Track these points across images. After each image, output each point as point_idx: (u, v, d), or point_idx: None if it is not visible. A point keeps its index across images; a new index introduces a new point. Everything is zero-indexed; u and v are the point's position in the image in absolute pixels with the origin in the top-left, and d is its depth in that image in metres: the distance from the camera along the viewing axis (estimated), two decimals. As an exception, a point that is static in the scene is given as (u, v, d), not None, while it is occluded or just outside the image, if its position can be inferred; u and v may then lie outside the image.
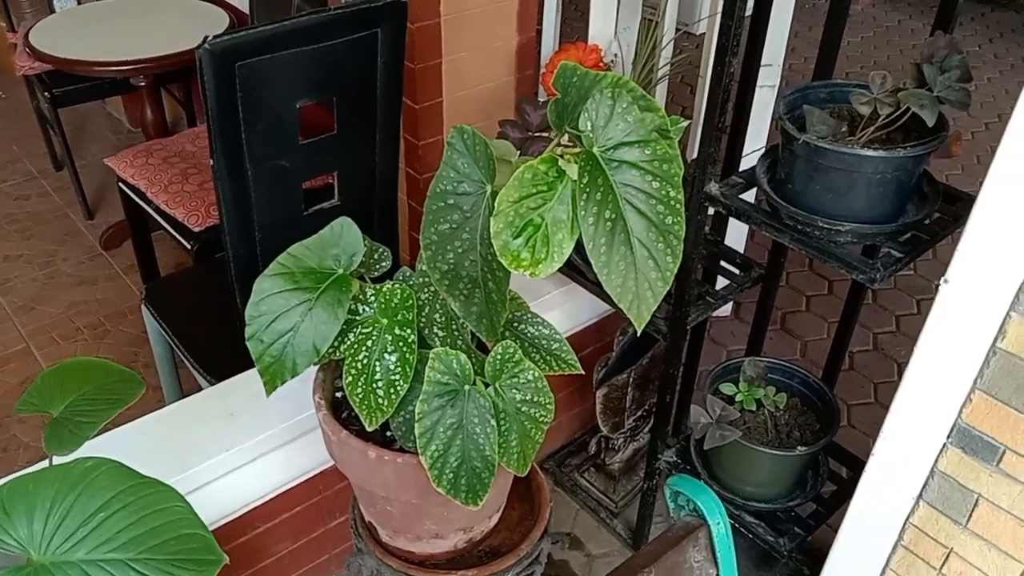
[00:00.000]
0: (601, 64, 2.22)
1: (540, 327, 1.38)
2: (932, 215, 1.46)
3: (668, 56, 2.46)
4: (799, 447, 1.73)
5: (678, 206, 1.04)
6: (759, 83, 2.42)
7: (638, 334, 1.07)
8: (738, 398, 1.80)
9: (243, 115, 1.68)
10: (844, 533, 1.57)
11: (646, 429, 2.27)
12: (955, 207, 1.51)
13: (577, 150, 1.06)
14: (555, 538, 2.12)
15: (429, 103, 2.24)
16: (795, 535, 1.79)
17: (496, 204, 1.01)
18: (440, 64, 2.20)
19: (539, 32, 2.64)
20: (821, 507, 1.87)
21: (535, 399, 1.24)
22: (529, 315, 1.38)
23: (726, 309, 2.94)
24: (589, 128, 1.05)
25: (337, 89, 1.82)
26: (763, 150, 1.61)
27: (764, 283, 2.02)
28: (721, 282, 2.01)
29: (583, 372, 1.37)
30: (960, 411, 1.30)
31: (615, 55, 2.47)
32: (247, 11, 3.08)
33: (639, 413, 2.21)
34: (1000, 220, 1.15)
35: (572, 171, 1.04)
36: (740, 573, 2.06)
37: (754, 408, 1.81)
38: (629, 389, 2.11)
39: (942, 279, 1.24)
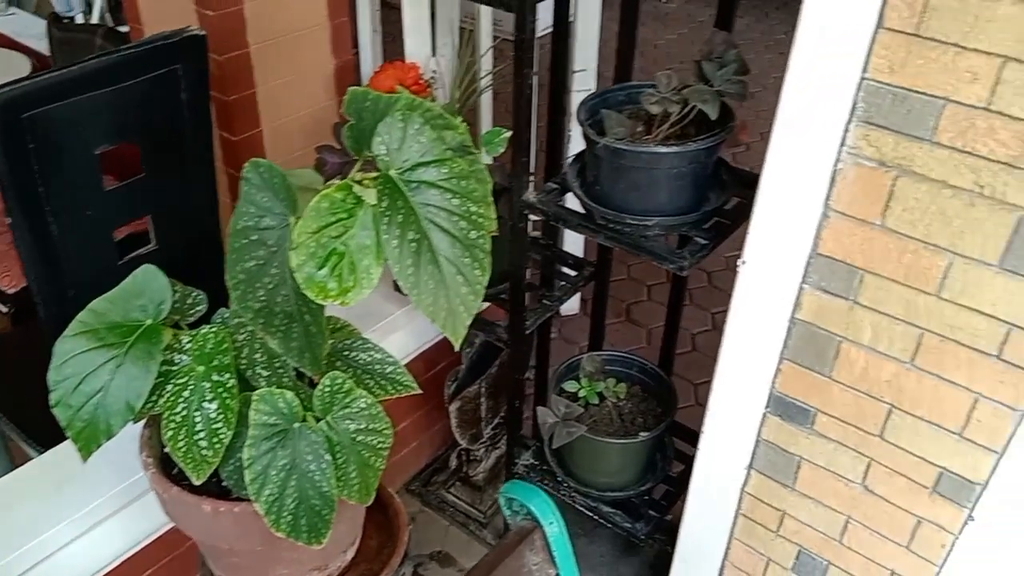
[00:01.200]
0: (421, 82, 2.23)
1: (372, 352, 1.37)
2: (731, 201, 1.55)
3: (489, 66, 2.50)
4: (641, 433, 1.80)
5: (481, 220, 1.06)
6: (575, 88, 2.50)
7: (455, 349, 1.09)
8: (581, 393, 1.85)
9: (38, 167, 1.58)
10: (689, 510, 1.64)
11: (505, 436, 2.29)
12: (753, 191, 1.62)
13: (375, 174, 1.06)
14: (418, 560, 2.11)
15: (248, 134, 2.18)
16: (650, 518, 1.86)
17: (294, 237, 1.00)
18: (254, 94, 2.15)
19: (357, 55, 2.63)
20: (672, 487, 1.95)
21: (370, 427, 1.23)
22: (359, 342, 1.37)
23: (574, 307, 3.02)
24: (384, 151, 1.05)
25: (141, 130, 1.74)
26: (573, 156, 1.66)
27: (597, 279, 2.09)
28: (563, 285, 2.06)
29: (421, 391, 1.37)
30: (773, 381, 1.39)
31: (434, 72, 2.49)
32: (49, 54, 2.90)
33: (496, 421, 2.24)
34: (782, 197, 1.24)
35: (370, 196, 1.04)
36: (607, 561, 2.12)
37: (597, 401, 1.87)
38: (482, 399, 2.13)
39: (740, 260, 1.33)
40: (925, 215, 1.12)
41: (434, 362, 2.28)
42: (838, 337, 1.28)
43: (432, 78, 2.47)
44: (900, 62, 1.05)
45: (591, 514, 1.88)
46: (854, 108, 1.11)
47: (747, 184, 1.62)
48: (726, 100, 1.41)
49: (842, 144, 1.14)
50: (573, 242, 2.69)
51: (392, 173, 1.04)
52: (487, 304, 2.04)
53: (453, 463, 2.33)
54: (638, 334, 2.95)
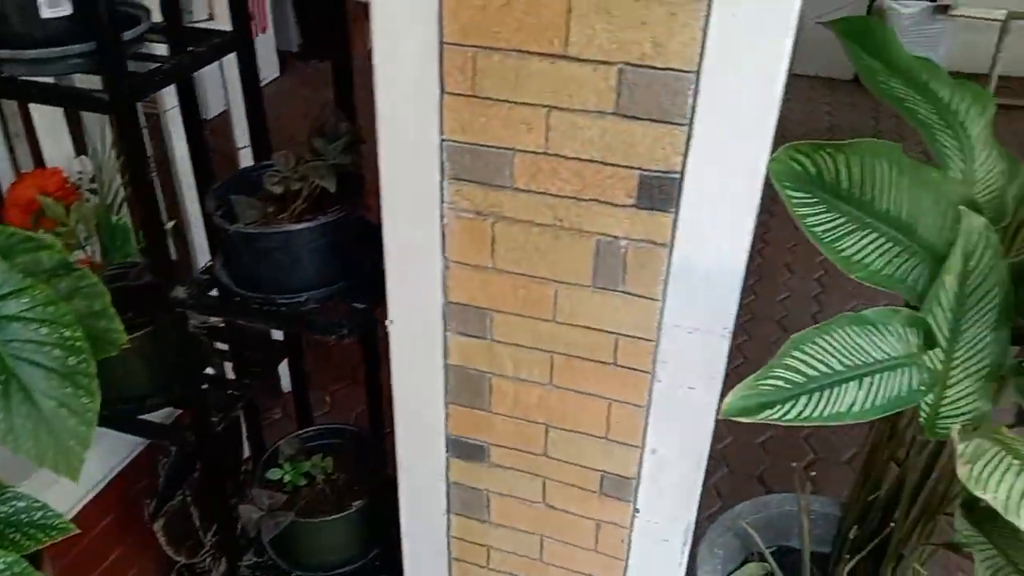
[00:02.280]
0: (67, 187, 2.07)
1: (16, 502, 1.24)
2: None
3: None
4: (355, 503, 1.79)
5: (78, 344, 1.00)
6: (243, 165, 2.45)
7: (75, 482, 1.01)
8: (286, 479, 1.80)
9: None
10: (407, 564, 1.66)
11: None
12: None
13: (-56, 319, 0.96)
14: None
15: None
16: (385, 583, 1.85)
17: None
18: None
19: (-13, 166, 2.39)
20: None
21: (13, 586, 1.11)
22: (-6, 493, 1.23)
23: (286, 384, 2.94)
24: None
25: None
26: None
27: (290, 355, 2.06)
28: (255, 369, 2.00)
29: (79, 531, 1.26)
30: (446, 425, 1.45)
31: (79, 173, 2.33)
32: None
33: (215, 527, 2.11)
34: (406, 255, 1.29)
35: (-61, 344, 0.95)
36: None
37: (306, 482, 1.83)
38: (192, 508, 2.01)
39: (388, 320, 1.37)
40: (525, 252, 1.22)
41: (133, 482, 2.11)
42: (487, 374, 1.36)
43: (80, 179, 2.32)
44: (468, 122, 1.14)
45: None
46: (443, 167, 1.19)
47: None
48: (347, 170, 1.45)
49: (442, 201, 1.22)
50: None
51: (-36, 314, 0.96)
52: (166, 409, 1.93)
53: (177, 582, 2.16)
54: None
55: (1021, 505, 1.02)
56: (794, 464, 2.08)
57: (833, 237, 1.23)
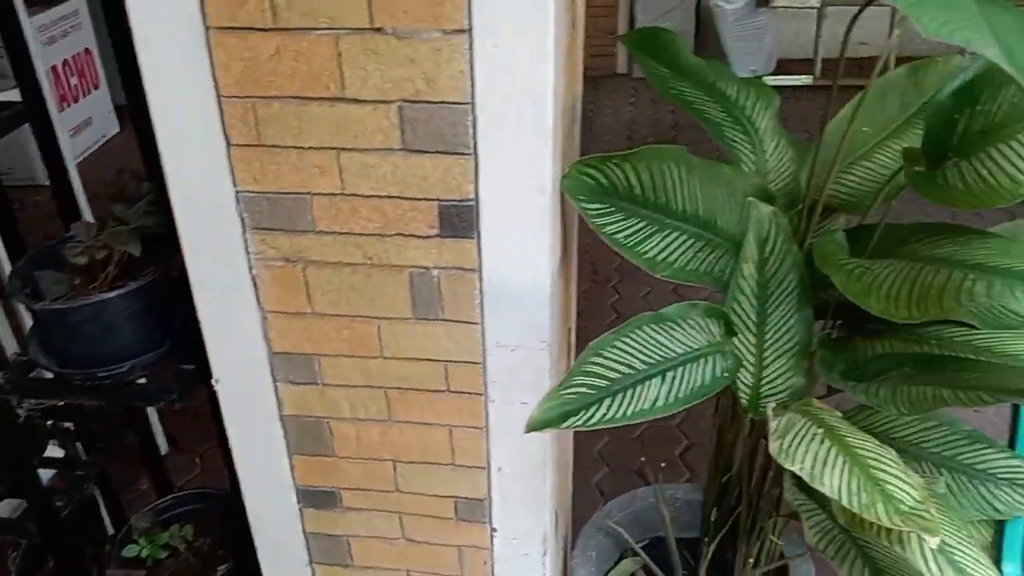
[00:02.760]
0: None
1: None
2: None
3: None
4: (220, 567, 1.73)
5: None
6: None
7: None
8: (143, 554, 1.73)
9: None
10: (279, 626, 1.61)
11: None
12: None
13: None
14: None
15: None
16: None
17: None
18: None
19: None
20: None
21: None
22: None
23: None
24: None
25: None
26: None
27: (135, 424, 1.97)
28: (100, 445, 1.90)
29: None
30: (293, 476, 1.42)
31: None
32: None
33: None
34: (219, 310, 1.27)
35: None
36: None
37: (166, 554, 1.76)
38: (49, 600, 1.89)
39: (213, 379, 1.34)
40: (341, 293, 1.22)
41: (-19, 582, 1.97)
42: (324, 419, 1.34)
43: None
44: (259, 171, 1.13)
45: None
46: (242, 219, 1.17)
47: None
48: (152, 231, 1.41)
49: (247, 252, 1.20)
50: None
51: None
52: None
53: None
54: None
55: (824, 473, 1.09)
56: (643, 459, 2.14)
57: (635, 242, 1.28)
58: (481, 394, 1.28)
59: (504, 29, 0.98)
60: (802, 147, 1.54)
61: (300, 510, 1.45)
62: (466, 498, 1.39)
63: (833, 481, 1.07)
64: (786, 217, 1.40)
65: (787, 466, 1.12)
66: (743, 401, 1.33)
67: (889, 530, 1.07)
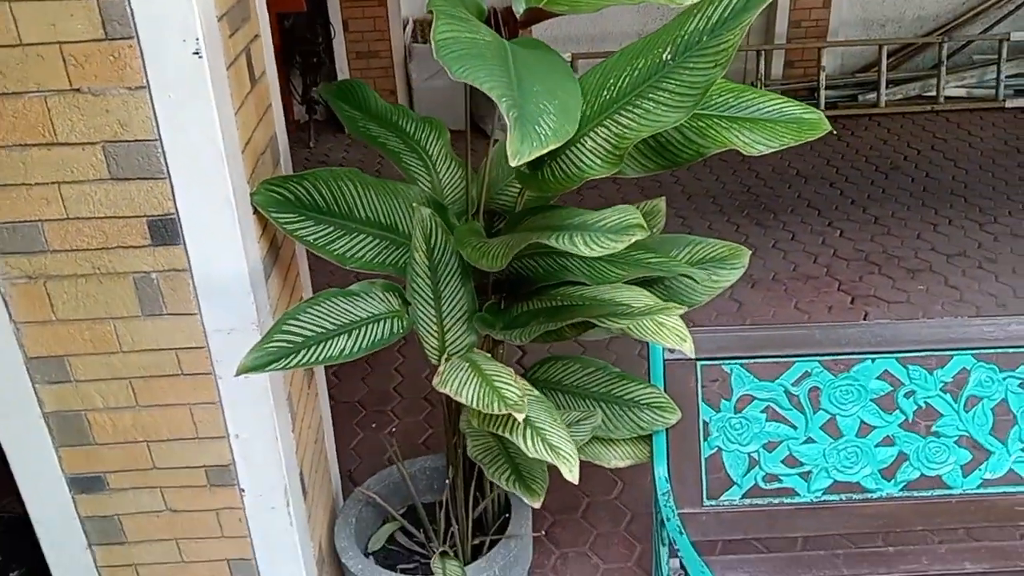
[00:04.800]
0: None
1: None
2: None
3: None
4: (12, 573, 1.93)
5: None
6: None
7: None
8: (-65, 573, 1.90)
9: None
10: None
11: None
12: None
13: None
14: None
15: None
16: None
17: None
18: None
19: None
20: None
21: None
22: None
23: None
24: None
25: None
26: None
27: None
28: None
29: None
30: (62, 467, 1.67)
31: None
32: None
33: None
34: (-19, 332, 1.52)
35: None
36: None
37: (-42, 572, 1.93)
38: None
39: None
40: (80, 301, 1.51)
41: None
42: (82, 411, 1.61)
43: None
44: (-5, 206, 1.42)
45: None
46: (-14, 247, 1.45)
47: None
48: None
49: (-5, 273, 1.48)
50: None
51: None
52: None
53: None
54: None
55: (463, 389, 1.48)
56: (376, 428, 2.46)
57: (325, 242, 1.66)
58: (210, 373, 1.60)
59: (175, 86, 1.34)
60: (472, 171, 1.97)
61: (72, 497, 1.70)
62: (214, 465, 1.69)
63: (469, 392, 1.47)
64: (458, 219, 1.83)
65: (441, 390, 1.51)
66: (431, 359, 1.72)
67: (506, 422, 1.48)
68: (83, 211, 1.43)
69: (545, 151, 1.16)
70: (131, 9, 1.28)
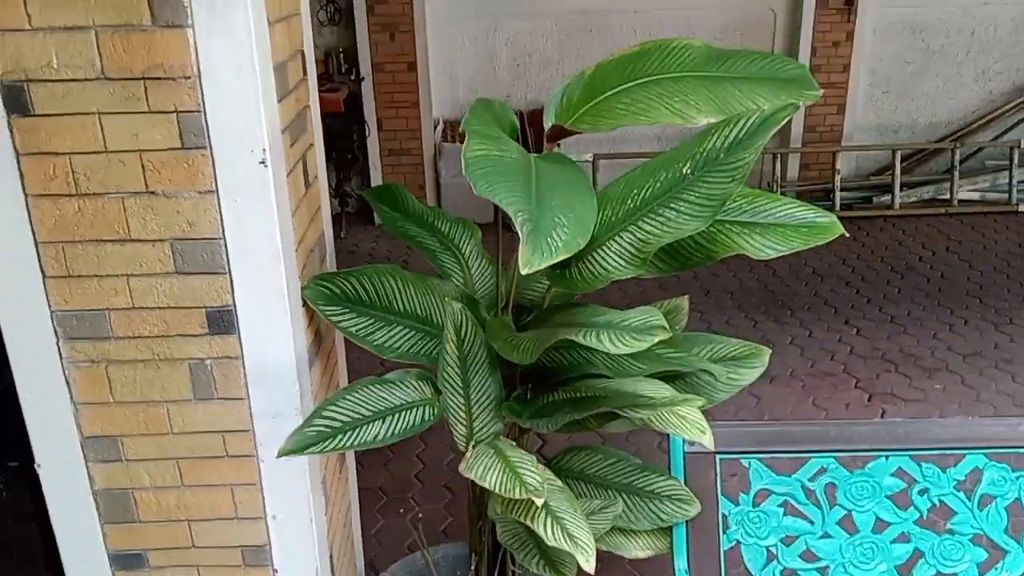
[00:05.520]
0: None
1: None
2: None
3: None
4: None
5: None
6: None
7: None
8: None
9: None
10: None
11: None
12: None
13: None
14: None
15: None
16: None
17: None
18: None
19: None
20: None
21: None
22: None
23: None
24: None
25: None
26: None
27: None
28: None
29: None
30: (105, 543, 1.75)
31: None
32: None
33: None
34: (41, 403, 1.63)
35: None
36: None
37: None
38: None
39: (37, 464, 1.68)
40: (137, 385, 1.62)
41: None
42: (130, 489, 1.70)
43: None
44: (69, 294, 1.55)
45: None
46: (56, 332, 1.57)
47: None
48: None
49: (61, 357, 1.59)
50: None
51: None
52: None
53: None
54: None
55: (487, 475, 1.56)
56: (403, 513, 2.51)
57: (366, 333, 1.77)
58: (252, 456, 1.69)
59: (241, 191, 1.48)
60: (500, 267, 2.10)
61: (113, 574, 1.77)
62: (251, 545, 1.76)
63: (492, 478, 1.55)
64: (488, 313, 1.94)
65: (467, 475, 1.59)
66: (460, 445, 1.80)
67: (527, 509, 1.55)
68: (148, 301, 1.56)
69: (554, 262, 1.27)
70: (207, 123, 1.43)
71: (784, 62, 1.68)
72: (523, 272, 1.26)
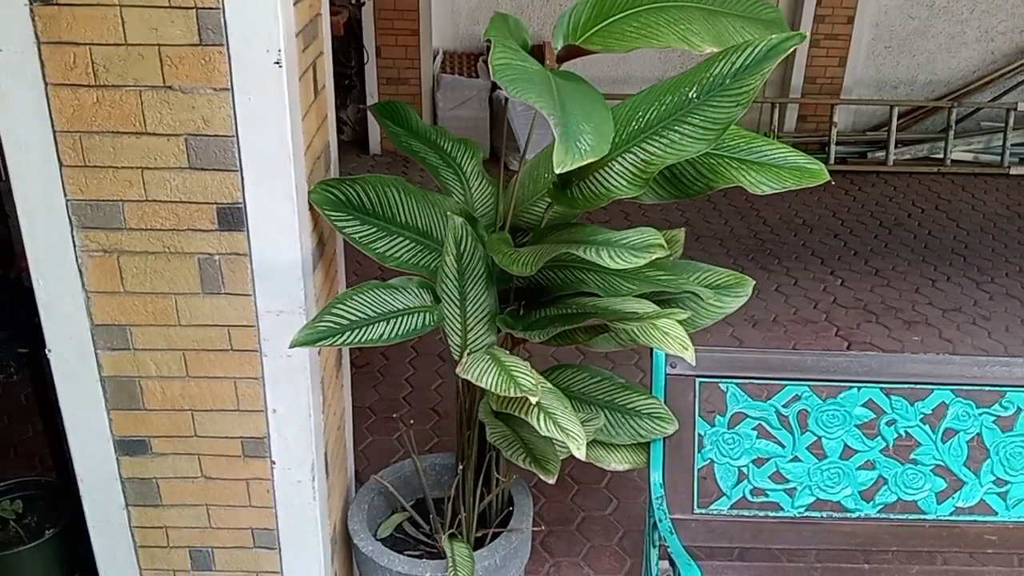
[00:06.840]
0: None
1: None
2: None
3: None
4: (48, 530, 2.07)
5: None
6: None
7: None
8: (-23, 523, 2.05)
9: None
10: (100, 564, 1.97)
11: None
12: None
13: None
14: None
15: None
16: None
17: None
18: None
19: None
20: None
21: None
22: None
23: None
24: None
25: None
26: None
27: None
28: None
29: None
30: (111, 429, 1.83)
31: None
32: None
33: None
34: (50, 290, 1.69)
35: None
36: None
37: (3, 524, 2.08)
38: None
39: (47, 349, 1.75)
40: (147, 276, 1.68)
41: None
42: (136, 378, 1.77)
43: None
44: (84, 184, 1.59)
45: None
46: (71, 220, 1.62)
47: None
48: None
49: (75, 246, 1.64)
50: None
51: None
52: None
53: None
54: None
55: (483, 376, 1.64)
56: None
57: (368, 241, 1.83)
58: (256, 351, 1.76)
59: (255, 90, 1.52)
60: (500, 187, 2.15)
61: (117, 458, 1.85)
62: (250, 437, 1.84)
63: (489, 379, 1.63)
64: (487, 231, 2.00)
65: (463, 376, 1.67)
66: (454, 354, 1.88)
67: (522, 404, 1.64)
68: (161, 195, 1.61)
69: (584, 163, 1.33)
70: (225, 20, 1.47)
71: (764, 5, 1.74)
72: (557, 171, 1.31)
